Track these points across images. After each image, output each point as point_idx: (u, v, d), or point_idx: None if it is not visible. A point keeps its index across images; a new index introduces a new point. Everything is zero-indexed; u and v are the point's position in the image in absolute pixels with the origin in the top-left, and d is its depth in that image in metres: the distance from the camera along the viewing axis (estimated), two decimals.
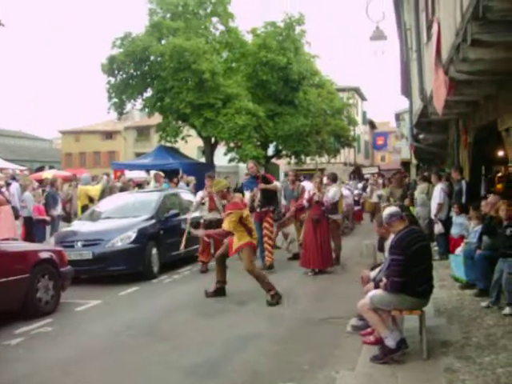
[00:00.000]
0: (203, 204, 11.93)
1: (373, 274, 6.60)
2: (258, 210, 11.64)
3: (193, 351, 6.33)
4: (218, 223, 10.75)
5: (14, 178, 15.86)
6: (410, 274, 5.53)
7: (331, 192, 11.70)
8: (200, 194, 12.35)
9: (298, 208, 12.07)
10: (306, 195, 11.74)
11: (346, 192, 17.50)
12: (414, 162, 30.53)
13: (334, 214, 11.84)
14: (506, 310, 7.05)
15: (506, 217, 7.49)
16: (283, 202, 13.65)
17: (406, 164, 38.88)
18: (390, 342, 5.64)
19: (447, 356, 5.68)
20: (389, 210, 6.04)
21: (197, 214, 12.06)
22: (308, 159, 33.64)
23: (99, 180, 17.81)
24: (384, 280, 5.73)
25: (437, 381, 5.09)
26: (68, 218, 16.13)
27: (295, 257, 12.41)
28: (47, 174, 27.37)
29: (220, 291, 9.09)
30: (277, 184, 12.09)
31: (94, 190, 16.61)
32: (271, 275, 10.21)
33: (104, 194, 15.74)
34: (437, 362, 5.54)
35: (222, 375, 5.54)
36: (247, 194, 12.19)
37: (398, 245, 5.63)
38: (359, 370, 5.56)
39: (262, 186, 11.60)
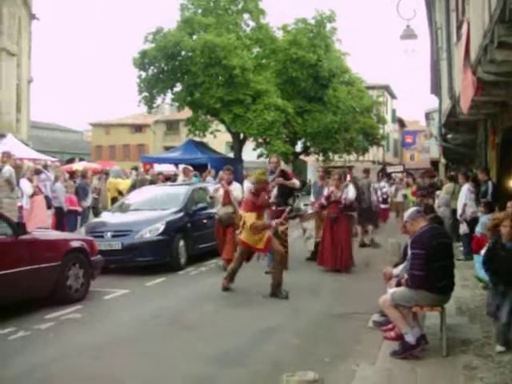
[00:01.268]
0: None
1: (395, 271, 6.70)
2: (273, 207, 10.66)
3: (217, 341, 6.51)
4: (229, 218, 10.78)
5: (46, 168, 16.18)
6: (430, 269, 5.62)
7: (351, 192, 11.39)
8: (214, 187, 12.09)
9: (321, 205, 11.57)
10: (325, 193, 11.48)
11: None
12: (443, 161, 30.31)
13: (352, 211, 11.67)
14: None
15: (510, 236, 5.84)
16: (311, 198, 13.25)
17: (435, 163, 38.63)
18: (410, 338, 5.74)
19: (467, 354, 5.76)
20: (413, 208, 6.16)
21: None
22: (336, 157, 33.63)
23: (129, 175, 18.10)
24: (405, 276, 5.84)
25: (455, 377, 5.18)
26: (96, 210, 16.42)
27: (313, 256, 11.92)
28: (78, 165, 27.87)
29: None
30: (295, 182, 11.24)
31: (124, 183, 16.89)
32: (293, 272, 10.38)
33: (134, 187, 16.02)
34: (456, 360, 5.63)
35: (245, 365, 5.70)
36: None
37: (418, 239, 5.76)
38: (379, 364, 5.67)
39: (280, 180, 10.76)
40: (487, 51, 6.36)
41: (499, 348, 5.72)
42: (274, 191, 10.73)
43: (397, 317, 5.89)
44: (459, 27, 9.98)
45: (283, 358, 5.83)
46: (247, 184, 11.02)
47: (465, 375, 5.19)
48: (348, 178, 12.44)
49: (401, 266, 6.60)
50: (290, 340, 6.54)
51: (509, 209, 8.81)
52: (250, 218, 8.65)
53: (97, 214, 15.64)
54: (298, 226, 13.58)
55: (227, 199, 10.94)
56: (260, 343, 6.44)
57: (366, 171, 16.15)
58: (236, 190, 11.19)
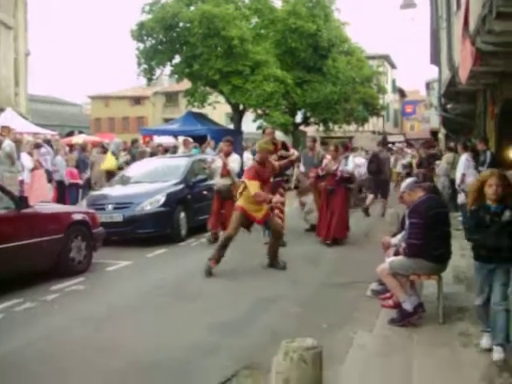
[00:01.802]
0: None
1: (394, 240, 6.78)
2: (271, 179, 10.37)
3: (217, 311, 6.64)
4: (228, 190, 10.72)
5: (49, 143, 16.16)
6: (427, 238, 5.72)
7: (351, 164, 11.24)
8: (212, 158, 12.03)
9: (317, 176, 11.42)
10: (323, 163, 11.23)
11: (360, 160, 16.90)
12: (443, 131, 30.30)
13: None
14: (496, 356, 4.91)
15: (495, 196, 4.84)
16: (302, 169, 12.90)
17: (435, 133, 38.60)
18: (408, 306, 5.87)
19: (463, 321, 5.88)
20: (410, 179, 6.24)
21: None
22: (336, 127, 33.58)
23: (128, 149, 17.96)
24: (403, 245, 5.94)
25: (451, 344, 5.31)
26: (88, 185, 16.14)
27: (313, 228, 11.86)
28: (77, 138, 27.83)
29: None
30: (294, 152, 11.41)
31: (111, 162, 16.35)
32: (292, 243, 10.49)
33: (134, 159, 16.02)
34: (452, 327, 5.76)
35: (244, 334, 5.83)
36: None
37: (416, 209, 5.86)
38: (377, 331, 5.81)
39: (283, 153, 10.69)
40: (486, 21, 6.36)
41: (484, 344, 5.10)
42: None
43: (395, 285, 6.01)
44: None
45: (282, 326, 5.95)
46: (247, 155, 11.05)
47: (460, 341, 5.32)
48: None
49: (399, 236, 6.68)
50: (288, 309, 6.67)
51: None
52: (253, 186, 8.49)
53: (89, 188, 15.56)
54: (295, 197, 13.58)
55: (225, 171, 10.86)
56: (259, 313, 6.57)
57: (383, 143, 16.35)
58: (233, 161, 11.01)
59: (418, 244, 5.74)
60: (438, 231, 5.77)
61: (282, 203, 10.68)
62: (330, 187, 10.92)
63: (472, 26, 7.64)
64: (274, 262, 8.79)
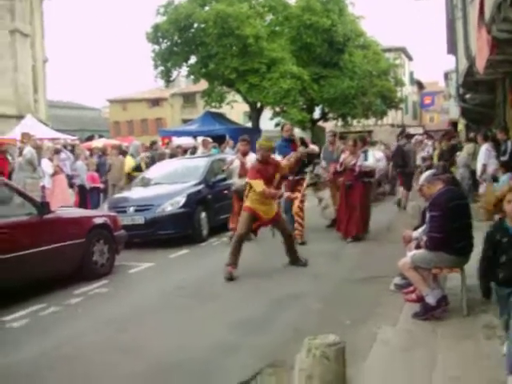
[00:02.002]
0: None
1: (415, 233, 6.73)
2: (290, 177, 10.43)
3: (238, 310, 6.65)
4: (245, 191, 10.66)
5: (69, 149, 16.34)
6: (448, 230, 5.66)
7: (371, 159, 11.04)
8: (229, 159, 11.85)
9: (335, 172, 11.24)
10: (341, 159, 11.03)
11: (379, 154, 16.52)
12: (463, 121, 29.97)
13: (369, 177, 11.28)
14: None
15: None
16: (323, 163, 12.66)
17: (454, 124, 38.19)
18: (431, 300, 5.82)
19: (486, 314, 5.80)
20: (429, 171, 6.19)
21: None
22: (355, 122, 33.43)
23: (147, 151, 17.94)
24: (424, 238, 5.90)
25: (475, 336, 5.25)
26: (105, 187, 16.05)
27: (333, 224, 11.75)
28: (97, 142, 28.08)
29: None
30: (315, 147, 11.24)
31: (130, 164, 16.32)
32: (313, 240, 10.48)
33: (154, 161, 16.04)
34: (476, 319, 5.70)
35: (265, 332, 5.83)
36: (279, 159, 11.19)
37: (436, 202, 5.80)
38: (400, 326, 5.77)
39: (303, 150, 10.48)
40: (501, 9, 6.29)
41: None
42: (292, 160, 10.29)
43: (417, 279, 5.96)
44: None
45: (304, 323, 5.95)
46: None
47: (484, 334, 5.26)
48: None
49: (420, 229, 6.63)
50: (310, 306, 6.65)
51: None
52: (258, 184, 8.30)
53: (106, 191, 15.60)
54: (313, 194, 13.51)
55: (243, 171, 10.62)
56: (281, 310, 6.56)
57: (408, 136, 16.46)
58: (251, 160, 10.61)
59: (438, 237, 5.68)
60: (458, 223, 5.70)
61: (302, 201, 10.64)
62: (348, 182, 10.74)
63: (487, 14, 7.55)
64: (294, 260, 8.71)
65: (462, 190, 6.41)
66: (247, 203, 8.54)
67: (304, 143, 10.87)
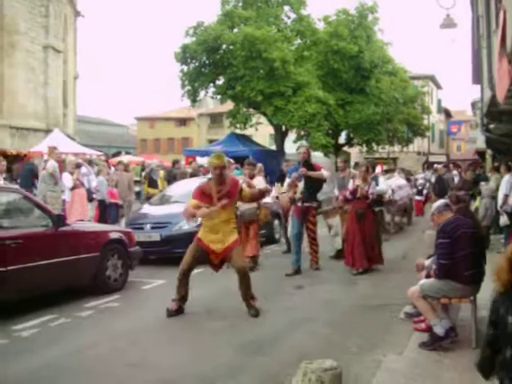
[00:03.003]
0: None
1: (427, 262, 6.68)
2: (299, 204, 10.11)
3: (246, 330, 6.65)
4: (253, 214, 10.45)
5: (92, 163, 16.53)
6: (455, 258, 5.63)
7: (381, 184, 10.96)
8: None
9: (345, 199, 10.62)
10: (351, 185, 10.56)
11: (400, 181, 16.34)
12: (489, 151, 29.67)
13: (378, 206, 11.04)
14: None
15: None
16: (335, 191, 11.83)
17: (481, 154, 37.83)
18: (439, 330, 5.75)
19: None
20: (441, 201, 6.17)
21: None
22: (380, 148, 33.30)
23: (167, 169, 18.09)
24: (434, 267, 5.85)
25: None
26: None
27: (338, 255, 11.32)
28: (123, 159, 28.41)
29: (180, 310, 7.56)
30: (323, 173, 10.37)
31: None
32: (326, 265, 10.51)
33: (175, 179, 16.19)
34: None
35: (269, 354, 5.80)
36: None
37: (443, 229, 5.78)
38: (406, 354, 5.70)
39: (304, 171, 9.97)
40: None
41: None
42: (300, 185, 10.09)
43: (426, 308, 5.90)
44: (497, 14, 9.79)
45: (310, 347, 5.91)
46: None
47: None
48: (378, 169, 12.01)
49: (432, 258, 6.58)
50: (318, 330, 6.62)
51: None
52: (189, 203, 7.50)
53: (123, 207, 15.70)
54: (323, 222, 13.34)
55: None
56: (289, 333, 6.54)
57: (446, 166, 16.89)
58: (259, 184, 10.17)
59: (446, 264, 5.64)
60: (466, 251, 5.65)
61: (313, 231, 10.41)
62: (360, 211, 10.22)
63: (509, 44, 7.51)
64: (247, 305, 7.46)
65: (474, 221, 6.33)
66: (199, 233, 7.65)
67: (310, 165, 10.33)
